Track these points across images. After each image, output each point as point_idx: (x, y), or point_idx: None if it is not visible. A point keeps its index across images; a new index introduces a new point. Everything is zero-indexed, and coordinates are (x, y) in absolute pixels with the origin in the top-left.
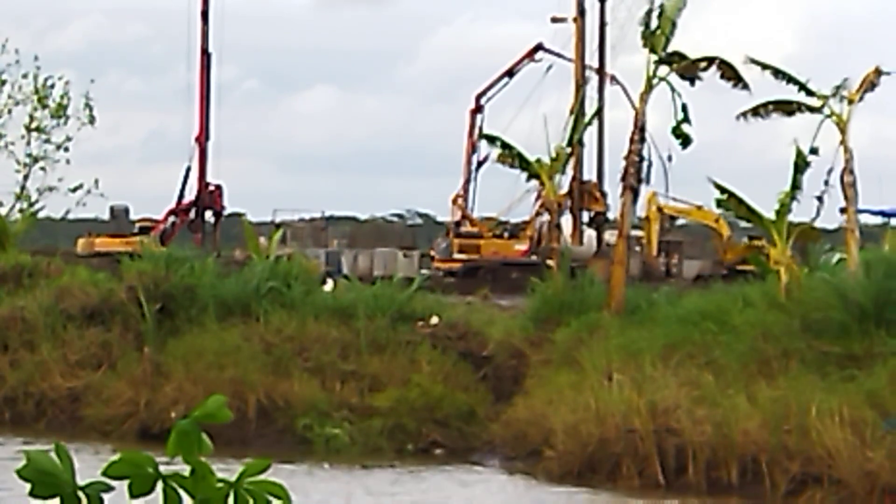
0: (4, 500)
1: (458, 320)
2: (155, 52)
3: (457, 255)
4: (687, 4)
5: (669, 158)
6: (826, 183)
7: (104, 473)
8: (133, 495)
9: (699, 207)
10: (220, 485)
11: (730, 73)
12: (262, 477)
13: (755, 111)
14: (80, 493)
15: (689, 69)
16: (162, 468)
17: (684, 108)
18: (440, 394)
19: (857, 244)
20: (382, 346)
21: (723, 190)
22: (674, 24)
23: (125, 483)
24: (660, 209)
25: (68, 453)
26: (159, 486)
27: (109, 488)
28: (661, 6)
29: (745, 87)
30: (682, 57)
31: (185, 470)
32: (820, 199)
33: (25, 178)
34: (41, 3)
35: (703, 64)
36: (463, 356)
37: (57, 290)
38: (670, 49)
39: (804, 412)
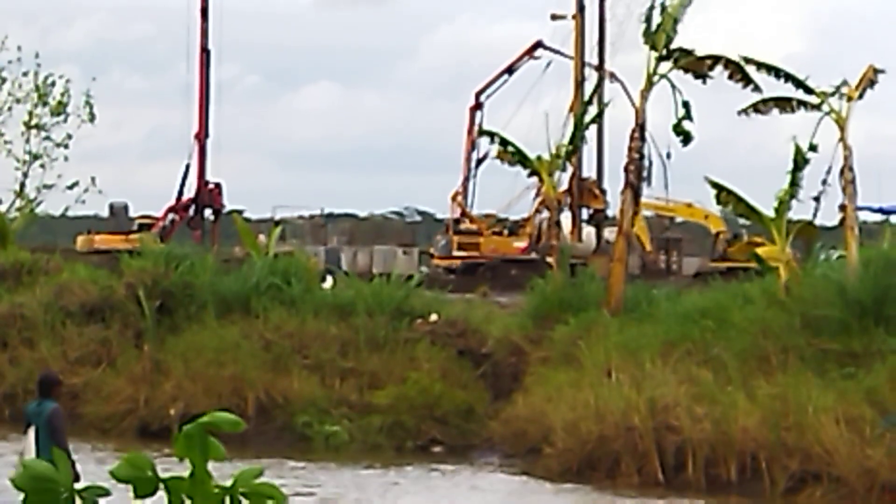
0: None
1: (457, 318)
2: (158, 50)
3: (456, 253)
4: (692, 2)
5: (668, 156)
6: (824, 183)
7: (111, 475)
8: (137, 496)
9: (689, 205)
10: (216, 490)
11: (738, 74)
12: (259, 480)
13: (755, 108)
14: (77, 498)
15: (695, 66)
16: (168, 466)
17: (686, 105)
18: (439, 391)
19: (857, 241)
20: (381, 343)
21: (719, 188)
22: (676, 22)
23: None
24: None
25: (66, 459)
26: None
27: (106, 493)
28: (664, 3)
29: (756, 88)
30: (684, 54)
31: (184, 472)
32: (817, 199)
33: (25, 175)
34: (50, 1)
35: (709, 63)
36: (462, 353)
37: (56, 287)
38: (672, 46)
39: (803, 409)
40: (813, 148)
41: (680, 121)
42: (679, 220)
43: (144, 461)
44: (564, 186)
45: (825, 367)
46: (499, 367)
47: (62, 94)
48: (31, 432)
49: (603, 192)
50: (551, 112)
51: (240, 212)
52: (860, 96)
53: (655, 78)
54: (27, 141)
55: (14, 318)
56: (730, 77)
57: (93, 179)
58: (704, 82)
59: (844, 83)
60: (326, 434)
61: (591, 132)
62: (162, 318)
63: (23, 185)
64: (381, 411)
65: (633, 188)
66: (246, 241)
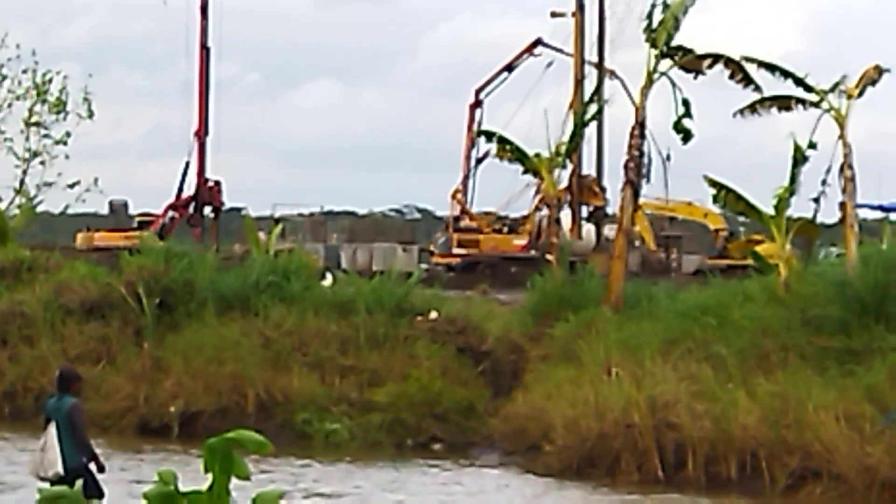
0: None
1: (457, 315)
2: (157, 48)
3: (456, 250)
4: (695, 2)
5: (668, 158)
6: (824, 183)
7: (144, 497)
8: None
9: (689, 204)
10: None
11: (738, 73)
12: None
13: (752, 108)
14: None
15: (695, 64)
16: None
17: (685, 102)
18: (439, 389)
19: (856, 239)
20: (381, 340)
21: (718, 186)
22: (677, 20)
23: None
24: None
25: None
26: None
27: None
28: (665, 1)
29: (757, 88)
30: (684, 51)
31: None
32: (817, 200)
33: (24, 173)
34: None
35: (708, 61)
36: (462, 351)
37: (56, 284)
38: (672, 44)
39: (803, 407)
40: (812, 145)
41: (680, 118)
42: (680, 218)
43: (170, 475)
44: (564, 184)
45: (825, 365)
46: (499, 364)
47: (60, 91)
48: (52, 427)
49: (603, 189)
50: (551, 109)
51: (240, 209)
52: (860, 94)
53: (655, 76)
54: (27, 138)
55: (14, 315)
56: (730, 77)
57: (95, 180)
58: (696, 77)
59: (844, 79)
60: (326, 432)
61: (590, 129)
62: (162, 316)
63: (23, 183)
64: (381, 409)
65: (633, 185)
66: (250, 239)
